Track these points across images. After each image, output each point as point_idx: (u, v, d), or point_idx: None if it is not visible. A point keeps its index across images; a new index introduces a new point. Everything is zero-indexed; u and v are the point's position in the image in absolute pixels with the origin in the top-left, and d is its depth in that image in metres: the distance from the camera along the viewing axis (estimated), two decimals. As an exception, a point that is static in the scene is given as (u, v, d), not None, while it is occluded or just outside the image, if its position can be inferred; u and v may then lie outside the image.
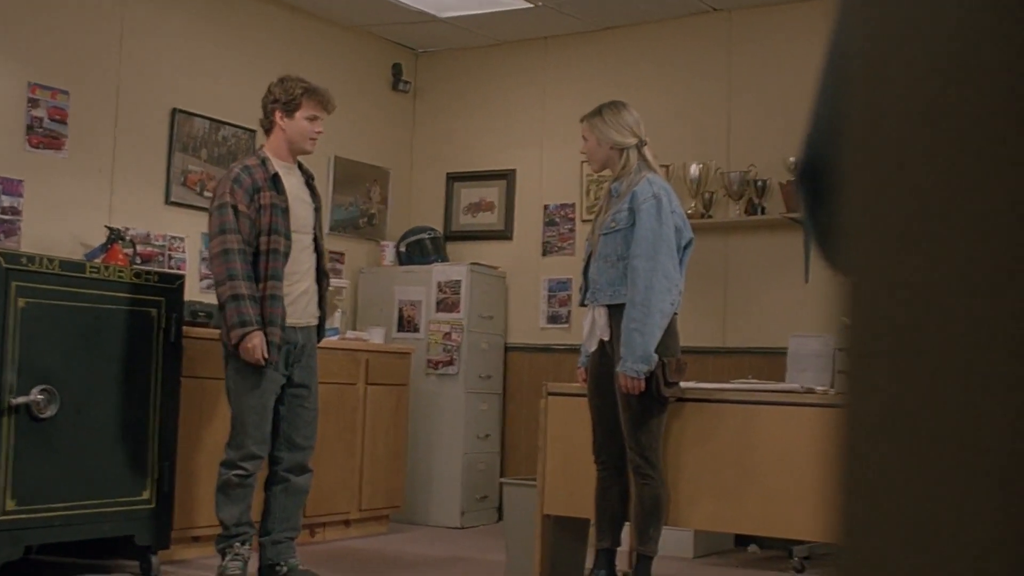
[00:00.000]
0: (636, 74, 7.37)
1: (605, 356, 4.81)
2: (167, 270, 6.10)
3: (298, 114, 5.01)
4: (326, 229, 6.85)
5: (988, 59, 0.52)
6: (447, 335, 7.34)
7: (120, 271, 5.20)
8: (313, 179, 5.23)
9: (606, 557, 4.84)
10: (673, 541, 5.97)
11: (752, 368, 6.48)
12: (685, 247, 4.81)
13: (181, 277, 5.52)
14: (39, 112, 5.87)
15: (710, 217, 6.94)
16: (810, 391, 4.95)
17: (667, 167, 6.61)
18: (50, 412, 4.79)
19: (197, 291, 6.42)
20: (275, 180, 4.95)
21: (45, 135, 5.89)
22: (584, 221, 7.42)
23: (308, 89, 5.03)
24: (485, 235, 7.97)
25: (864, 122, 0.56)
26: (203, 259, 6.58)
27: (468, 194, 8.07)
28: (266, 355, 4.81)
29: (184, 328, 5.44)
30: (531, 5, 7.15)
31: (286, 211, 4.94)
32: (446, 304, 7.39)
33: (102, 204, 6.15)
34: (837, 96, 1.11)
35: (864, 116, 0.56)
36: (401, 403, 6.98)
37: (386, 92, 8.10)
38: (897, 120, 0.55)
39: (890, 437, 0.56)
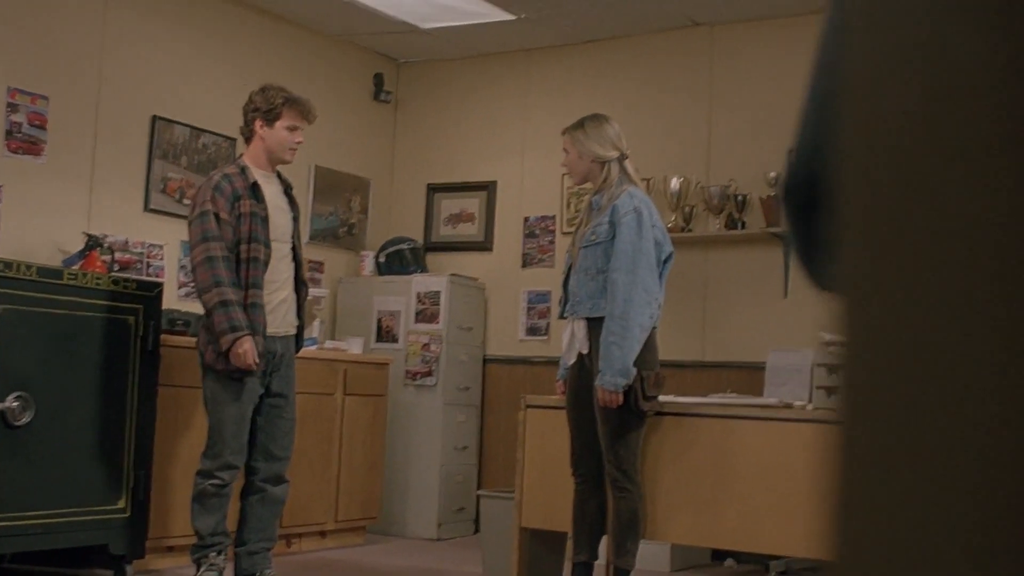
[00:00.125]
0: (617, 87, 7.39)
1: (584, 369, 4.81)
2: (145, 278, 6.07)
3: (278, 123, 4.99)
4: (306, 238, 6.84)
5: (984, 76, 0.52)
6: (426, 346, 7.33)
7: (98, 278, 5.18)
8: (291, 188, 5.21)
9: (583, 571, 4.83)
10: (650, 555, 5.96)
11: (731, 382, 6.49)
12: (665, 261, 4.82)
13: (159, 285, 5.49)
14: (18, 117, 5.84)
15: (690, 231, 6.96)
16: (788, 406, 4.96)
17: (648, 180, 6.61)
18: (25, 419, 4.76)
19: (175, 299, 6.39)
20: (255, 189, 4.93)
21: (24, 140, 5.86)
22: (564, 233, 7.42)
23: (289, 99, 5.01)
24: (465, 246, 7.96)
25: (860, 138, 0.56)
26: (181, 267, 6.55)
27: (448, 205, 8.07)
28: (256, 360, 4.79)
29: (162, 336, 5.41)
30: (513, 17, 7.16)
31: (266, 220, 4.92)
32: (425, 315, 7.38)
33: (81, 210, 6.12)
34: (825, 111, 1.11)
35: (860, 132, 0.56)
36: (379, 414, 6.96)
37: (367, 102, 8.09)
38: (894, 136, 0.54)
39: (888, 456, 0.56)
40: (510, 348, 7.68)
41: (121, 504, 5.18)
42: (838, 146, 0.60)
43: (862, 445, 0.57)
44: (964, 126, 0.52)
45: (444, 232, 8.06)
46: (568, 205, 7.54)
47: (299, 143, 5.06)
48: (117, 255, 6.12)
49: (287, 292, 5.05)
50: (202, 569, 4.91)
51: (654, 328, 4.76)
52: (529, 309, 7.65)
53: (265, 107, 4.98)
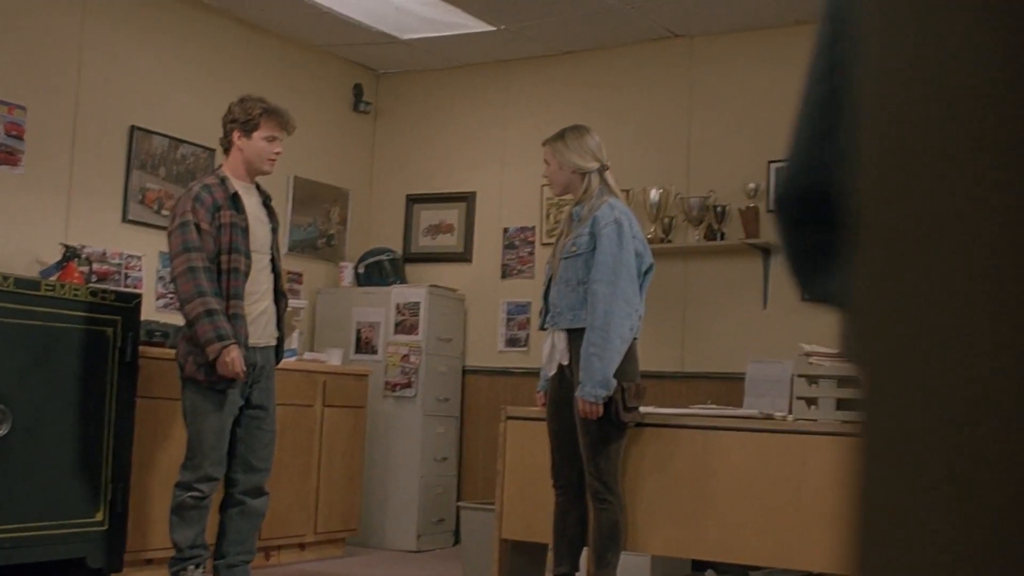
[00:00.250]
0: (597, 99, 7.40)
1: (564, 380, 4.80)
2: (124, 289, 6.04)
3: (256, 134, 4.98)
4: (284, 249, 6.82)
5: (1004, 80, 0.51)
6: (405, 357, 7.32)
7: (76, 289, 5.15)
8: (271, 200, 5.20)
9: (564, 582, 4.83)
10: (630, 566, 5.95)
11: (710, 393, 6.50)
12: (646, 272, 4.82)
13: (138, 296, 5.47)
14: (-5, 128, 5.81)
15: (669, 242, 6.96)
16: (769, 417, 4.97)
17: (627, 192, 6.62)
18: (2, 432, 4.72)
19: (153, 310, 6.36)
20: (235, 199, 4.92)
21: (1, 150, 5.82)
22: (544, 244, 7.43)
23: (267, 109, 5.00)
24: (444, 257, 7.95)
25: (875, 146, 0.56)
26: (160, 278, 6.52)
27: (428, 216, 8.06)
28: (244, 368, 4.76)
29: (140, 348, 5.39)
30: (493, 28, 7.16)
31: (246, 230, 4.91)
32: (404, 326, 7.37)
33: (58, 221, 6.09)
34: (819, 121, 1.11)
35: (876, 140, 0.56)
36: (358, 425, 6.94)
37: (347, 113, 8.08)
38: (911, 142, 0.54)
39: (908, 470, 0.55)
40: (489, 359, 7.67)
41: (99, 517, 5.15)
42: (852, 155, 0.59)
43: (883, 460, 0.56)
44: (984, 129, 0.52)
45: (423, 243, 8.05)
46: (548, 216, 7.54)
47: (278, 153, 5.05)
48: (95, 266, 6.09)
49: (267, 303, 5.04)
50: (181, 582, 4.88)
51: (635, 339, 4.76)
52: (508, 320, 7.64)
53: (243, 118, 4.96)
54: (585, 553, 4.90)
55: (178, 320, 5.42)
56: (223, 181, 4.95)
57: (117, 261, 6.34)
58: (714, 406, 5.46)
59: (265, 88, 6.21)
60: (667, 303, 6.90)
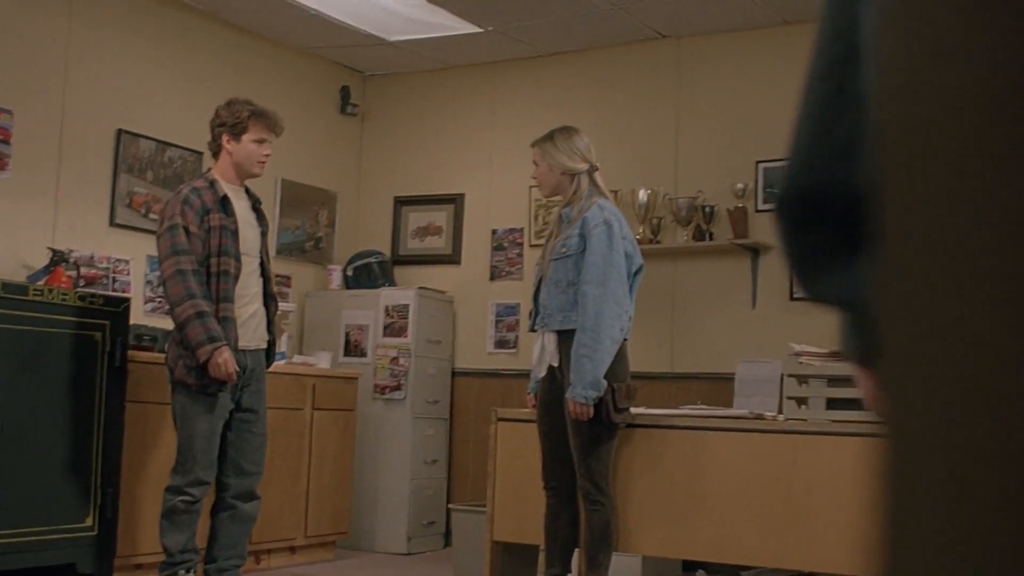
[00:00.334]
0: (585, 100, 7.40)
1: (555, 382, 4.80)
2: (112, 293, 6.02)
3: (245, 137, 4.97)
4: (273, 252, 6.80)
5: (1014, 83, 0.51)
6: (394, 360, 7.31)
7: (64, 294, 5.13)
8: (260, 203, 5.19)
9: (556, 584, 4.82)
10: (622, 567, 5.95)
11: (699, 394, 6.50)
12: (635, 273, 4.82)
13: (127, 300, 5.45)
14: (-18, 132, 5.78)
15: (658, 243, 6.97)
16: (759, 417, 4.98)
17: (615, 192, 6.61)
18: (-9, 437, 4.70)
19: (142, 314, 6.34)
20: (224, 202, 4.91)
21: (-12, 155, 5.80)
22: (532, 246, 7.42)
23: (255, 112, 4.99)
24: (433, 259, 7.94)
25: (900, 148, 0.55)
26: (148, 282, 6.50)
27: (416, 218, 8.05)
28: (237, 368, 4.74)
29: (129, 352, 5.37)
30: (480, 30, 7.16)
31: (235, 233, 4.89)
32: (393, 328, 7.36)
33: (46, 225, 6.07)
34: (821, 122, 1.11)
35: (900, 142, 0.55)
36: (348, 428, 6.93)
37: (334, 115, 8.07)
38: (936, 143, 0.54)
39: (937, 473, 0.55)
40: (479, 361, 7.66)
41: (88, 522, 5.13)
42: (875, 158, 0.59)
43: (910, 463, 0.56)
44: (996, 131, 0.51)
45: (412, 245, 8.05)
46: (536, 217, 7.54)
47: (267, 156, 5.04)
48: (83, 270, 6.07)
49: (257, 306, 5.03)
50: (171, 587, 4.86)
51: (625, 340, 4.76)
52: (497, 322, 7.64)
53: (231, 121, 4.95)
54: (577, 554, 4.89)
55: (167, 324, 5.41)
56: (212, 184, 4.93)
57: (105, 265, 6.31)
58: (704, 406, 5.47)
59: (252, 91, 6.19)
60: (656, 304, 6.90)
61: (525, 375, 5.24)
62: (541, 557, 5.10)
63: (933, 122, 0.53)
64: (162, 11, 6.78)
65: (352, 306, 7.52)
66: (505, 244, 7.68)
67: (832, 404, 4.83)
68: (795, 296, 6.62)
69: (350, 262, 7.76)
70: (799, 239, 1.16)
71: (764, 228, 6.70)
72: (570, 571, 4.88)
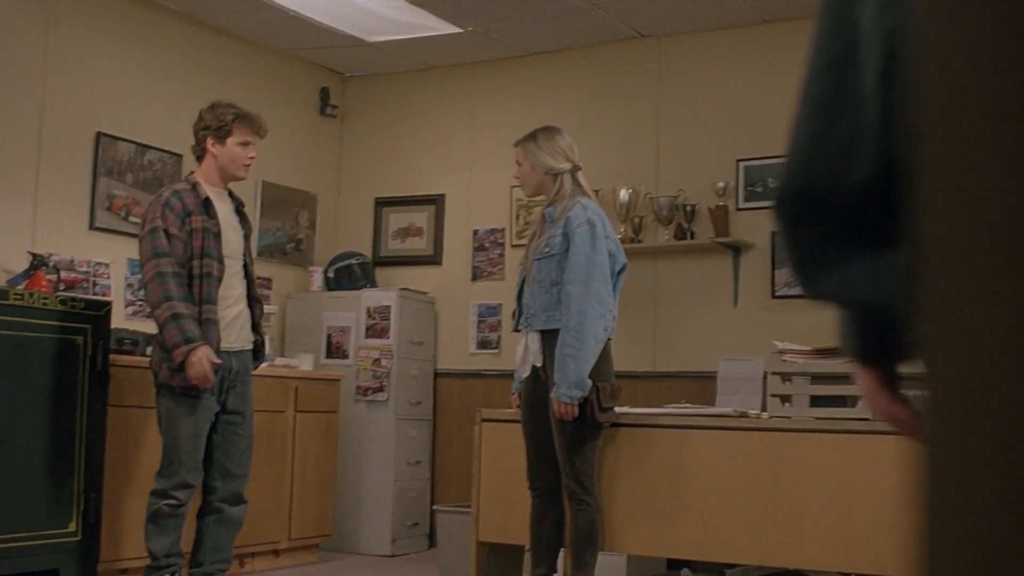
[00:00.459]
0: (565, 99, 7.40)
1: (539, 382, 4.80)
2: (93, 297, 5.99)
3: (230, 140, 4.95)
4: (254, 254, 6.77)
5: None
6: (376, 361, 7.29)
7: (45, 298, 5.10)
8: (243, 206, 5.17)
9: (542, 584, 4.82)
10: (606, 566, 5.95)
11: (682, 392, 6.51)
12: (619, 272, 4.83)
13: (108, 304, 5.42)
14: (-40, 136, 5.75)
15: (639, 242, 6.97)
16: (743, 415, 4.98)
17: (596, 192, 6.61)
18: (-28, 443, 4.67)
19: (122, 318, 6.31)
20: (206, 204, 4.89)
21: (-34, 159, 5.76)
22: (514, 246, 7.42)
23: (240, 115, 4.98)
24: (414, 260, 7.93)
25: (945, 149, 0.55)
26: (128, 285, 6.47)
27: (397, 219, 8.04)
28: (213, 360, 4.71)
29: (111, 356, 5.34)
30: (460, 30, 7.15)
31: (218, 235, 4.88)
32: (375, 330, 7.34)
33: (25, 229, 6.03)
34: (820, 118, 1.11)
35: (945, 144, 0.55)
36: (331, 430, 6.92)
37: (314, 116, 8.05)
38: (982, 144, 0.54)
39: (978, 481, 0.55)
40: (461, 362, 7.66)
41: (71, 527, 5.10)
42: (915, 158, 0.59)
43: (951, 468, 0.56)
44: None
45: (393, 246, 8.03)
46: (517, 217, 7.54)
47: (252, 158, 5.03)
48: (63, 274, 6.03)
49: (240, 307, 5.01)
50: (156, 591, 4.84)
51: (609, 339, 4.76)
52: (480, 322, 7.63)
53: (215, 124, 4.94)
54: (563, 554, 4.89)
55: (148, 327, 5.38)
56: (195, 187, 4.92)
57: (85, 269, 6.28)
58: (688, 405, 5.47)
59: (231, 92, 6.17)
60: (638, 303, 6.91)
61: (507, 375, 5.24)
62: (527, 557, 5.10)
63: (975, 124, 0.53)
64: (141, 14, 6.75)
65: (334, 308, 7.50)
66: (486, 244, 7.67)
67: (816, 401, 4.84)
68: (776, 294, 6.64)
69: (331, 264, 7.74)
70: (798, 236, 1.16)
71: (745, 226, 6.72)
72: (556, 571, 4.88)
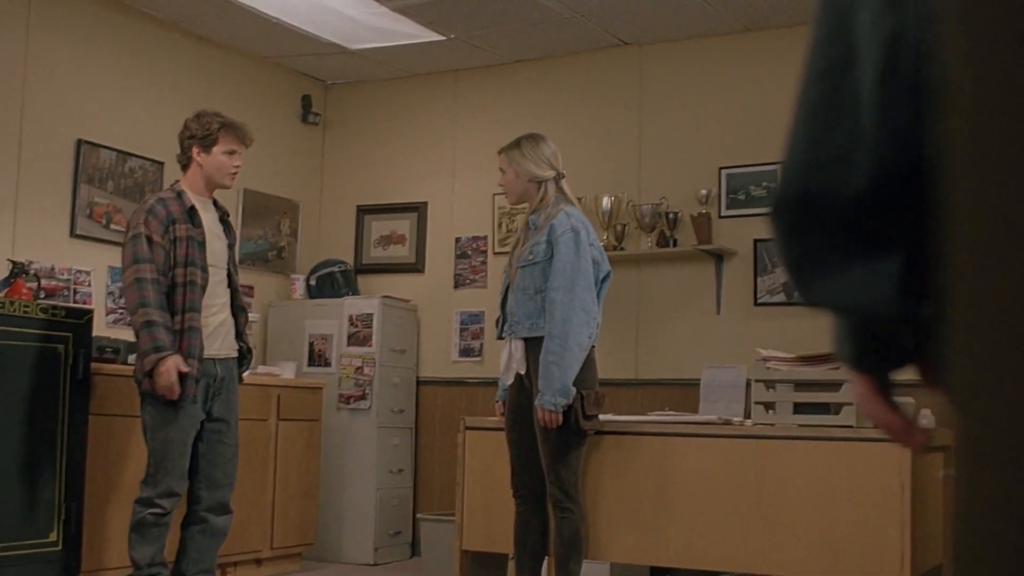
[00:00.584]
0: (547, 107, 7.41)
1: (523, 389, 4.79)
2: (75, 305, 5.96)
3: (215, 149, 4.94)
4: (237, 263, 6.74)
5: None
6: (359, 369, 7.28)
7: (26, 306, 5.07)
8: (228, 215, 5.16)
9: (526, 592, 4.81)
10: (590, 574, 5.95)
11: (665, 400, 6.52)
12: (603, 280, 4.83)
13: (89, 312, 5.40)
14: (-60, 143, 5.71)
15: (622, 249, 6.97)
16: (727, 422, 4.99)
17: (579, 199, 6.62)
18: (-47, 452, 4.64)
19: (104, 326, 6.28)
20: (191, 213, 4.88)
21: (-54, 167, 5.73)
22: (496, 254, 7.42)
23: (225, 123, 4.97)
24: (396, 268, 7.92)
25: (974, 156, 0.55)
26: (109, 293, 6.44)
27: (379, 227, 8.03)
28: (182, 369, 4.69)
29: (92, 364, 5.31)
30: (442, 38, 7.15)
31: (202, 244, 4.86)
32: (358, 338, 7.33)
33: (5, 237, 6.00)
34: (817, 123, 1.11)
35: (975, 150, 0.55)
36: (313, 438, 6.89)
37: (295, 124, 8.03)
38: (1013, 149, 0.53)
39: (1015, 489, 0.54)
40: (443, 370, 7.64)
41: (52, 537, 5.07)
42: (944, 165, 0.59)
43: (987, 477, 0.56)
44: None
45: (375, 254, 8.02)
46: (499, 225, 7.54)
47: (238, 167, 5.02)
48: (43, 282, 6.00)
49: (224, 316, 4.99)
50: (138, 600, 4.81)
51: (593, 347, 4.76)
52: (462, 330, 7.62)
53: (201, 133, 4.93)
54: (547, 563, 4.89)
55: (130, 335, 5.35)
56: (180, 195, 4.90)
57: (66, 277, 6.25)
58: (672, 413, 5.48)
59: (213, 100, 6.15)
60: (620, 310, 6.91)
61: (490, 383, 5.24)
62: (511, 565, 5.09)
63: (1006, 128, 0.53)
64: (122, 21, 6.73)
65: (316, 316, 7.48)
66: (469, 252, 7.67)
67: (799, 408, 4.85)
68: (759, 301, 6.65)
69: (313, 271, 7.72)
70: (795, 243, 1.16)
71: (728, 234, 6.73)
72: (540, 579, 4.88)
